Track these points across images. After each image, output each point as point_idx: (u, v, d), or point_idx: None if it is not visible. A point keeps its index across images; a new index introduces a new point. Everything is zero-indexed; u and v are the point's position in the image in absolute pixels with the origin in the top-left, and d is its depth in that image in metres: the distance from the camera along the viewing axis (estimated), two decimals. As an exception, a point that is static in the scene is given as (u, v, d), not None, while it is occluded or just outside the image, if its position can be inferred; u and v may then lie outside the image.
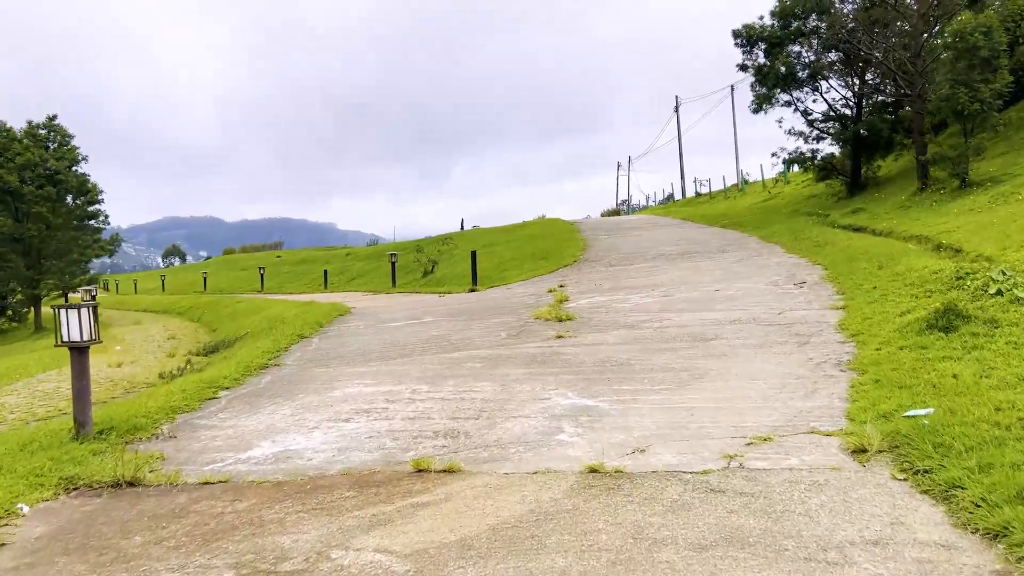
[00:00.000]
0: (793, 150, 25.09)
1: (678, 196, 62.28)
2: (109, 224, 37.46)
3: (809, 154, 24.76)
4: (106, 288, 74.91)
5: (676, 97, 61.14)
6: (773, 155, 25.68)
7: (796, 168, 26.87)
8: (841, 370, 6.71)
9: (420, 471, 5.01)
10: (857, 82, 24.30)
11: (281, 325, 15.10)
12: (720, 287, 12.43)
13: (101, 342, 6.81)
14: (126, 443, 6.33)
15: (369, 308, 15.99)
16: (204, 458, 5.78)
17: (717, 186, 59.75)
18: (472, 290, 18.00)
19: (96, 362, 15.63)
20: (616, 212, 61.95)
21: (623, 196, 77.39)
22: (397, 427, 6.19)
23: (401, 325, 12.11)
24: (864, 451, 4.65)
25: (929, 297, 8.54)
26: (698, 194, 58.68)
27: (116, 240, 37.47)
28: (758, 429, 5.32)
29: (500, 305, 13.60)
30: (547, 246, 24.73)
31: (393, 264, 27.21)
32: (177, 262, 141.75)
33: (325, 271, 35.51)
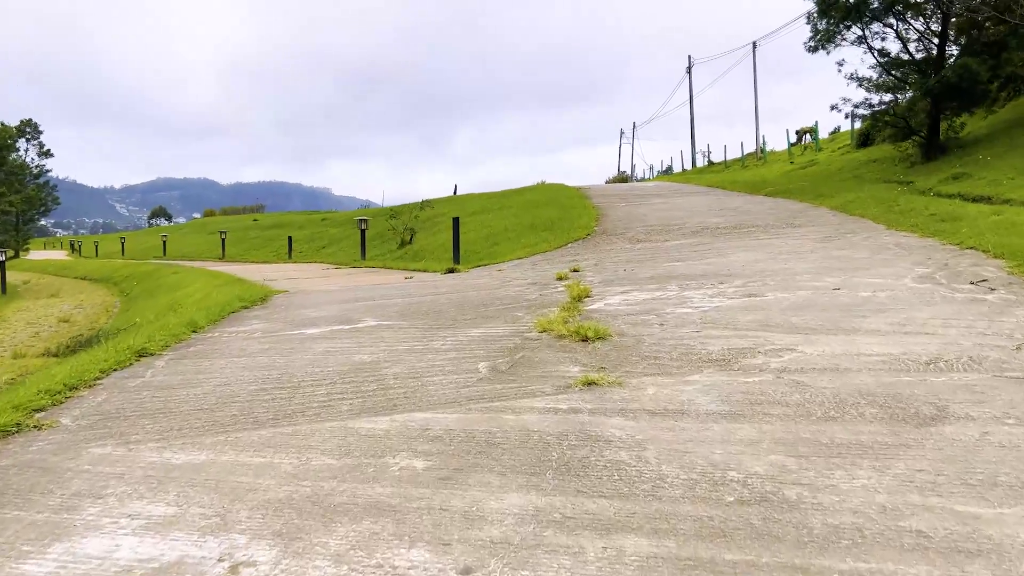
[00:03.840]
0: (860, 101, 20.24)
1: (684, 166, 57.45)
2: (34, 174, 32.07)
3: (881, 107, 19.93)
4: (73, 248, 70.05)
5: (689, 57, 56.07)
6: (833, 108, 20.93)
7: (859, 124, 22.04)
8: None
9: None
10: (941, 17, 19.43)
11: (171, 315, 10.49)
12: (835, 282, 7.81)
13: None
14: None
15: (301, 293, 11.35)
16: None
17: (733, 155, 54.95)
18: (451, 270, 13.35)
19: None
20: (623, 179, 57.07)
21: (625, 165, 72.55)
22: None
23: (319, 333, 7.45)
24: None
25: None
26: (710, 163, 54.07)
27: (38, 198, 32.29)
28: None
29: (486, 300, 8.98)
30: (550, 215, 20.03)
31: (363, 232, 22.49)
32: (163, 223, 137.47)
33: (289, 238, 30.75)
